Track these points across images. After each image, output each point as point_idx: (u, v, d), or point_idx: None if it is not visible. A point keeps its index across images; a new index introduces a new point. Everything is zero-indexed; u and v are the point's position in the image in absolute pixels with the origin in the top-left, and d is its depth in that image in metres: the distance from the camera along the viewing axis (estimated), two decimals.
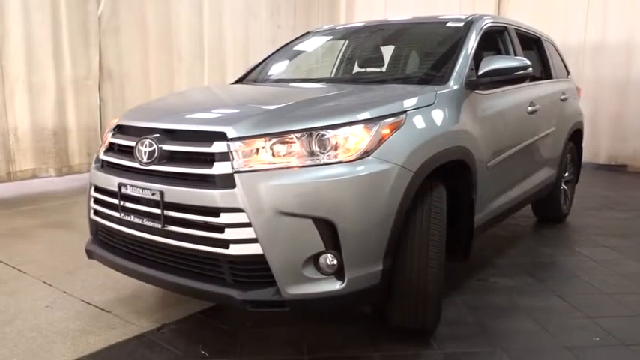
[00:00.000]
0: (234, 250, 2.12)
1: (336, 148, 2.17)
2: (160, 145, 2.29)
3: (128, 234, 2.44)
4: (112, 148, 2.62)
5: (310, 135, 2.17)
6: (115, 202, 2.44)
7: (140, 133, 2.42)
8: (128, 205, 2.39)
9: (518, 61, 3.04)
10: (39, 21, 5.78)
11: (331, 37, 4.21)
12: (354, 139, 2.19)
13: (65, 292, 3.11)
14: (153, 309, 2.89)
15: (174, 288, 2.38)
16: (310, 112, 2.37)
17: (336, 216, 2.10)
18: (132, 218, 2.38)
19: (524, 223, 4.76)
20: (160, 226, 2.27)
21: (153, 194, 2.26)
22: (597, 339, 2.59)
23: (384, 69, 3.71)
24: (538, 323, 2.74)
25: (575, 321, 2.78)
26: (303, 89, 3.24)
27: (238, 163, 2.12)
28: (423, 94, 2.61)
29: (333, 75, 4.09)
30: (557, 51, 4.83)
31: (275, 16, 8.42)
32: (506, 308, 2.93)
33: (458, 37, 3.22)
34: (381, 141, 2.23)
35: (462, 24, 3.35)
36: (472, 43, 3.15)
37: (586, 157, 6.17)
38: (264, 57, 4.03)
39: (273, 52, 4.07)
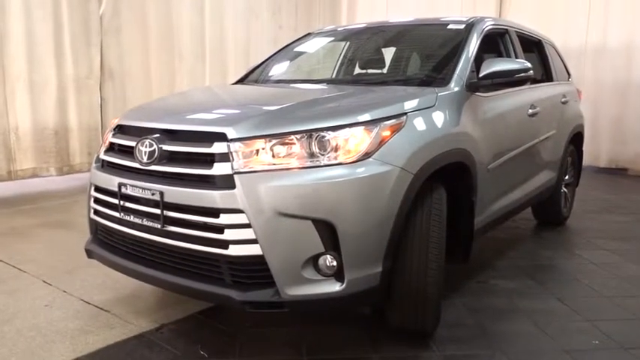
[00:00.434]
0: (233, 250, 2.12)
1: (336, 149, 2.17)
2: (160, 145, 2.29)
3: (128, 234, 2.44)
4: (112, 148, 2.62)
5: (310, 136, 2.17)
6: (115, 201, 2.44)
7: (140, 133, 2.42)
8: (128, 204, 2.39)
9: (519, 63, 3.04)
10: (40, 20, 5.78)
11: (332, 39, 4.21)
12: (354, 140, 2.19)
13: (64, 291, 3.10)
14: (152, 309, 2.89)
15: (173, 288, 2.38)
16: (310, 113, 2.37)
17: (336, 217, 2.10)
18: (131, 218, 2.38)
19: (525, 226, 4.75)
20: (159, 226, 2.27)
21: (153, 194, 2.26)
22: (597, 342, 2.58)
23: (385, 70, 3.71)
24: (537, 326, 2.74)
25: (575, 324, 2.78)
26: (303, 90, 3.24)
27: (238, 163, 2.12)
28: (424, 96, 2.61)
29: (334, 76, 4.09)
30: (558, 54, 4.83)
31: (276, 16, 8.42)
32: (505, 311, 2.93)
33: (459, 39, 3.22)
34: (382, 143, 2.23)
35: (463, 26, 3.35)
36: (473, 45, 3.15)
37: (587, 160, 6.17)
38: (266, 58, 4.03)
39: (274, 52, 4.07)
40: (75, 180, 6.17)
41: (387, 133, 2.27)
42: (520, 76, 3.00)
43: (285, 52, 4.04)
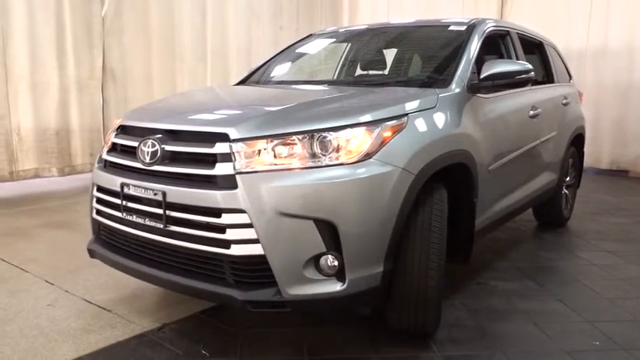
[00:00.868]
0: (235, 250, 2.13)
1: (337, 150, 2.18)
2: (162, 146, 2.30)
3: (130, 233, 2.45)
4: (114, 148, 2.63)
5: (312, 137, 2.18)
6: (118, 201, 2.45)
7: (143, 133, 2.44)
8: (130, 204, 2.40)
9: (520, 65, 3.05)
10: (42, 21, 5.81)
11: (334, 40, 4.22)
12: (355, 141, 2.20)
13: (67, 291, 3.12)
14: (154, 308, 2.90)
15: (175, 288, 2.39)
16: (312, 113, 2.38)
17: (337, 217, 2.11)
18: (134, 218, 2.39)
19: (525, 227, 4.76)
20: (161, 226, 2.28)
21: (155, 194, 2.27)
22: (597, 343, 2.59)
23: (386, 72, 3.72)
24: (538, 327, 2.75)
25: (575, 325, 2.78)
26: (305, 91, 3.25)
27: (240, 163, 2.13)
28: (425, 97, 2.62)
29: (335, 77, 4.10)
30: (559, 55, 4.84)
31: (278, 17, 8.44)
32: (506, 312, 2.94)
33: (460, 40, 3.23)
34: (383, 143, 2.24)
35: (464, 28, 3.36)
36: (474, 47, 3.16)
37: (588, 162, 6.18)
38: (267, 59, 4.04)
39: (276, 54, 4.08)
40: (77, 181, 6.19)
41: (388, 133, 2.28)
42: (521, 77, 3.01)
43: (287, 53, 4.05)
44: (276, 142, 2.18)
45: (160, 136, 2.34)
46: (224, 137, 2.18)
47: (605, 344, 2.58)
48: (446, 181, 2.56)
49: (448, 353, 2.47)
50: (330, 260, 2.15)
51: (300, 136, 2.18)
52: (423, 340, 2.56)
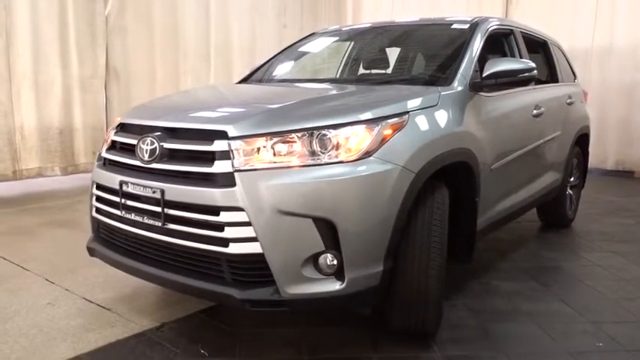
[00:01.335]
0: (233, 248, 2.11)
1: (337, 147, 2.16)
2: (161, 143, 2.29)
3: (129, 232, 2.44)
4: (114, 146, 2.62)
5: (311, 134, 2.16)
6: (117, 199, 2.44)
7: (142, 131, 2.42)
8: (129, 202, 2.39)
9: (523, 63, 3.02)
10: (46, 19, 5.81)
11: (337, 38, 4.20)
12: (355, 139, 2.18)
13: (67, 289, 3.11)
14: (153, 307, 2.89)
15: (174, 286, 2.38)
16: (312, 111, 2.36)
17: (337, 216, 2.09)
18: (133, 216, 2.38)
19: (529, 228, 4.73)
20: (160, 224, 2.26)
21: (154, 192, 2.26)
22: (601, 345, 2.56)
23: (389, 70, 3.70)
24: (541, 328, 2.72)
25: (579, 326, 2.75)
26: (305, 89, 3.23)
27: (239, 161, 2.11)
28: (426, 95, 2.60)
29: (338, 76, 4.09)
30: (564, 55, 4.80)
31: (281, 16, 8.42)
32: (508, 312, 2.91)
33: (463, 39, 3.21)
34: (383, 141, 2.22)
35: (467, 26, 3.33)
36: (477, 45, 3.13)
37: (593, 162, 6.13)
38: (270, 57, 4.02)
39: (278, 52, 4.07)
40: (80, 180, 6.19)
41: (388, 131, 2.26)
42: (524, 75, 2.98)
43: (290, 51, 4.03)
44: (275, 139, 2.16)
45: (158, 133, 2.33)
46: (223, 135, 2.17)
47: (609, 345, 2.55)
48: (447, 180, 2.53)
49: (449, 353, 2.45)
50: (329, 259, 2.13)
51: (299, 134, 2.16)
52: (424, 340, 2.54)
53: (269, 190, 2.07)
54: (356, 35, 4.17)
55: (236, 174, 2.10)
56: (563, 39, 5.48)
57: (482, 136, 2.86)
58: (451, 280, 2.97)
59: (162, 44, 6.92)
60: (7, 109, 5.62)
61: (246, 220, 2.07)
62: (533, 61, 3.22)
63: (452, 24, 3.50)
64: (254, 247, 2.08)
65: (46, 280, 3.26)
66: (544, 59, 4.40)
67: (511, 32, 3.65)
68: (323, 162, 2.13)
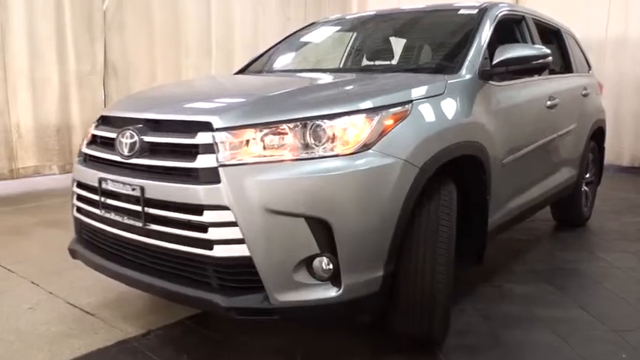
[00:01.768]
0: (218, 251, 1.92)
1: (332, 139, 1.96)
2: (141, 137, 2.10)
3: (110, 232, 2.25)
4: (94, 141, 2.44)
5: (305, 125, 1.97)
6: (97, 198, 2.26)
7: (124, 123, 2.24)
8: (109, 201, 2.20)
9: (536, 49, 2.80)
10: (42, 15, 5.66)
11: (339, 28, 4.00)
12: (353, 130, 1.98)
13: (51, 292, 2.94)
14: (140, 313, 2.70)
15: (157, 292, 2.19)
16: (306, 100, 2.17)
17: (332, 215, 1.89)
18: (113, 216, 2.19)
19: (543, 227, 4.50)
20: (141, 225, 2.07)
21: (133, 189, 2.07)
22: (624, 357, 2.33)
23: (393, 59, 3.49)
24: (558, 335, 2.50)
25: (599, 334, 2.54)
26: (301, 78, 3.04)
27: (224, 155, 1.92)
28: (432, 83, 2.39)
29: (340, 66, 3.89)
30: (578, 44, 4.58)
31: (285, 9, 8.20)
32: (522, 318, 2.70)
33: (471, 25, 3.00)
34: (383, 133, 2.02)
35: (475, 11, 3.12)
36: (486, 31, 2.92)
37: (608, 158, 5.88)
38: (268, 48, 3.84)
39: (277, 42, 3.88)
40: None
41: (389, 122, 2.05)
42: (538, 62, 2.76)
43: (289, 41, 3.85)
44: (265, 131, 1.96)
45: (140, 126, 2.14)
46: (207, 126, 1.97)
47: (634, 356, 2.33)
48: (455, 176, 2.33)
49: None
50: (324, 263, 1.93)
51: (291, 125, 1.96)
52: (430, 348, 2.34)
53: (257, 187, 1.87)
54: (359, 24, 3.96)
55: (221, 169, 1.90)
56: (576, 29, 5.22)
57: (493, 127, 2.64)
58: (460, 284, 2.77)
59: (163, 39, 6.74)
60: (3, 107, 5.48)
61: (232, 219, 1.88)
62: None
63: (459, 9, 3.29)
64: (241, 250, 1.89)
65: (31, 282, 3.09)
66: (557, 49, 4.16)
67: (522, 19, 3.43)
68: (317, 155, 1.94)
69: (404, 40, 3.63)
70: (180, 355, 2.29)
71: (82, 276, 3.11)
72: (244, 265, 1.90)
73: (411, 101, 2.18)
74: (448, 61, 2.85)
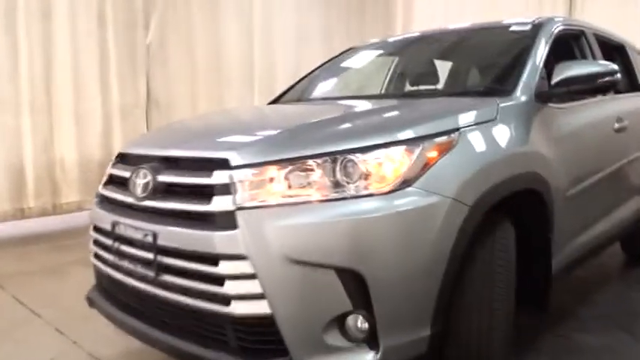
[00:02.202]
0: (236, 308, 1.67)
1: (367, 176, 1.70)
2: (155, 176, 1.90)
3: (123, 282, 2.05)
4: (112, 180, 2.26)
5: (334, 160, 1.72)
6: (110, 243, 2.06)
7: (139, 161, 2.05)
8: (122, 247, 2.00)
9: (601, 65, 2.48)
10: (86, 49, 5.71)
11: (380, 52, 3.76)
12: (390, 164, 1.72)
13: (75, 342, 2.78)
14: None
15: (171, 351, 1.94)
16: (336, 131, 1.92)
17: (367, 265, 1.62)
18: (126, 264, 1.99)
19: (611, 263, 4.05)
20: (153, 275, 1.86)
21: (145, 235, 1.86)
22: None
23: (438, 84, 3.22)
24: None
25: None
26: (335, 106, 2.80)
27: (242, 196, 1.69)
28: (481, 107, 2.10)
29: (382, 92, 3.64)
30: None
31: (327, 38, 8.09)
32: None
33: (525, 42, 2.70)
34: (426, 166, 1.75)
35: (528, 27, 2.83)
36: (542, 48, 2.62)
37: None
38: (303, 75, 3.65)
39: (313, 69, 3.68)
40: None
41: (433, 154, 1.78)
42: (604, 80, 2.42)
43: (327, 68, 3.64)
44: (289, 168, 1.72)
45: (154, 164, 1.95)
46: (224, 164, 1.75)
47: None
48: (512, 214, 2.02)
49: None
50: (358, 322, 1.66)
51: (319, 160, 1.72)
52: None
53: (279, 233, 1.63)
54: (401, 47, 3.72)
55: (238, 213, 1.67)
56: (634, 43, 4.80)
57: (554, 156, 2.32)
58: (521, 334, 2.41)
59: (205, 71, 6.73)
60: (48, 142, 5.51)
61: (251, 271, 1.63)
62: None
63: (510, 26, 3.00)
64: (261, 307, 1.64)
65: (56, 329, 2.94)
66: (621, 66, 3.78)
67: (582, 34, 3.10)
68: (349, 195, 1.68)
69: (450, 62, 3.35)
70: None
71: (106, 322, 2.92)
72: (266, 324, 1.65)
73: (458, 129, 1.90)
74: (500, 83, 2.56)
